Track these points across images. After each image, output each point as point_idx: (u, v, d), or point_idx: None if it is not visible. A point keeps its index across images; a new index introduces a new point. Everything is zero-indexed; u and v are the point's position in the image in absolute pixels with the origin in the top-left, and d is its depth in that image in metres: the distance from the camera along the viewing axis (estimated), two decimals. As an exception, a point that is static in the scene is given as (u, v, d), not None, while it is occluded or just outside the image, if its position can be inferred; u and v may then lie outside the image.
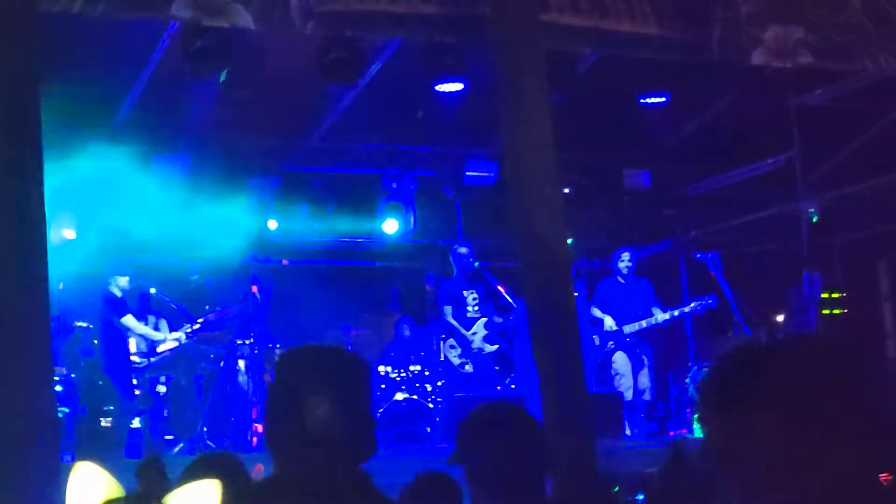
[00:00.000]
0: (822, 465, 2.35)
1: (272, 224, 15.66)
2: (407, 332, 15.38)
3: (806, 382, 2.42)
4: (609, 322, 14.27)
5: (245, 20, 10.10)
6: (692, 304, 14.44)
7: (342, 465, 3.16)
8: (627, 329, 14.22)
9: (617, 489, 5.78)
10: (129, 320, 13.15)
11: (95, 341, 13.62)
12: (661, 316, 14.30)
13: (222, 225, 15.99)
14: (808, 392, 2.40)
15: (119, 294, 13.27)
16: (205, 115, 13.84)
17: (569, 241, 15.72)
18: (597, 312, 14.47)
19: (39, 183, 6.38)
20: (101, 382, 12.98)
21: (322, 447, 3.14)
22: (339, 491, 3.12)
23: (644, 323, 14.27)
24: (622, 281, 14.55)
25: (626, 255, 14.60)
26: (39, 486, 6.01)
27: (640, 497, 5.70)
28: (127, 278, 13.39)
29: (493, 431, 3.66)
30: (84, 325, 14.10)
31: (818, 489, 2.34)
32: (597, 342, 14.41)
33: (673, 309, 14.55)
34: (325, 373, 3.26)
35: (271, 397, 3.31)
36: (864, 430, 2.40)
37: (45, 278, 6.36)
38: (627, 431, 13.72)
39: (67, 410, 13.19)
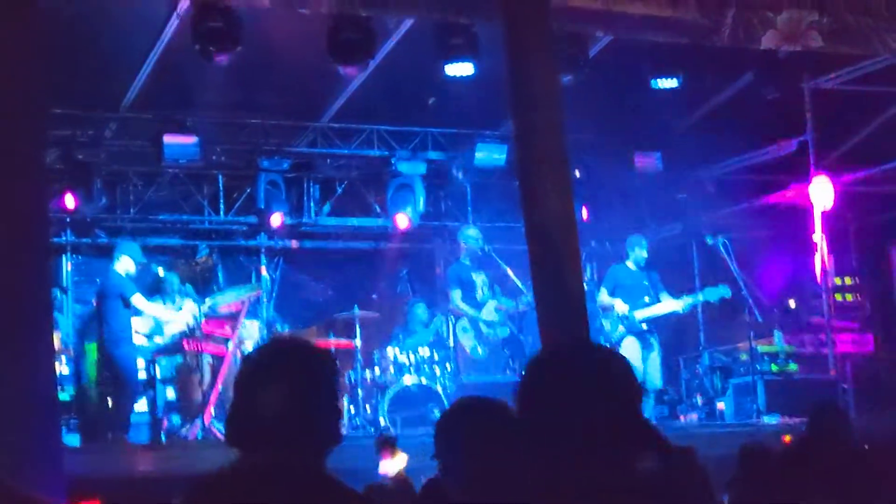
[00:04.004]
0: None
1: (276, 219, 15.53)
2: (421, 315, 15.31)
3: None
4: (620, 306, 14.16)
5: (261, -2, 10.08)
6: (707, 292, 14.31)
7: (298, 456, 3.21)
8: (640, 315, 14.13)
9: None
10: (138, 300, 13.07)
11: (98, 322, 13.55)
12: (673, 305, 14.18)
13: (232, 205, 15.98)
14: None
15: (125, 274, 13.18)
16: (215, 96, 13.78)
17: (584, 214, 15.72)
18: (606, 297, 14.37)
19: (41, 168, 6.33)
20: (107, 363, 12.94)
21: (277, 438, 3.21)
22: (294, 482, 3.17)
23: (657, 311, 14.16)
24: (633, 268, 14.44)
25: (644, 243, 14.50)
26: (40, 465, 5.99)
27: None
28: (133, 261, 13.29)
29: (465, 430, 3.67)
30: (92, 301, 14.09)
31: None
32: (607, 327, 14.34)
33: (686, 296, 14.44)
34: (283, 365, 3.32)
35: (234, 392, 3.38)
36: None
37: (48, 263, 6.34)
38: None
39: (74, 392, 13.19)
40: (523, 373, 2.82)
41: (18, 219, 6.22)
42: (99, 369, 13.15)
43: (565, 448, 2.66)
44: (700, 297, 14.44)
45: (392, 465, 8.46)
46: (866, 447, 6.61)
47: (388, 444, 8.53)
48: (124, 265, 13.15)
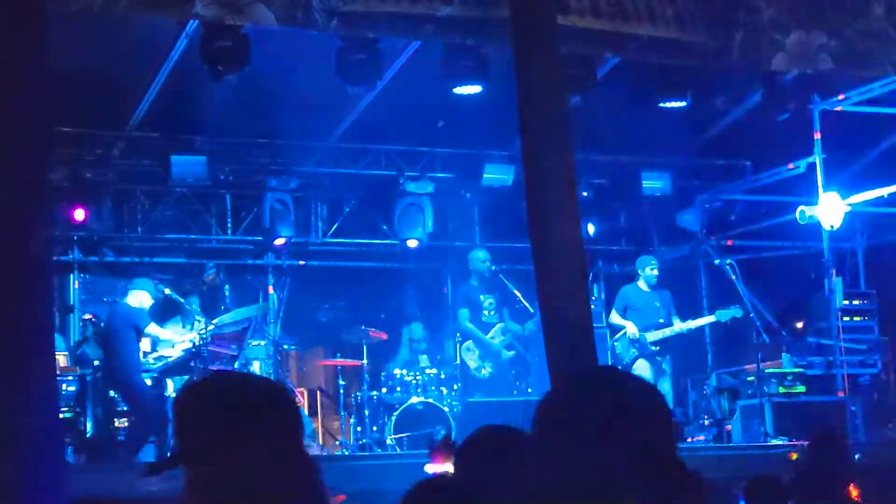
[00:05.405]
0: None
1: (279, 241, 15.54)
2: (422, 337, 15.28)
3: None
4: (631, 328, 14.12)
5: (268, 19, 10.09)
6: (719, 314, 14.26)
7: None
8: (651, 337, 14.09)
9: None
10: (153, 329, 13.05)
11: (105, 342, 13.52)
12: (685, 325, 14.14)
13: (239, 224, 15.97)
14: None
15: (139, 306, 13.14)
16: (223, 115, 13.80)
17: (589, 234, 15.69)
18: (617, 317, 14.34)
19: (46, 190, 6.32)
20: (123, 391, 12.92)
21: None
22: None
23: (668, 332, 14.12)
24: (645, 288, 14.40)
25: (654, 263, 14.47)
26: (42, 490, 5.96)
27: None
28: (149, 295, 13.26)
29: (490, 458, 3.58)
30: (90, 317, 14.08)
31: None
32: (618, 349, 14.30)
33: (698, 318, 14.40)
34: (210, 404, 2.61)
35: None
36: None
37: (51, 287, 6.30)
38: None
39: (79, 411, 13.15)
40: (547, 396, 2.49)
41: (21, 242, 6.20)
42: (107, 388, 13.13)
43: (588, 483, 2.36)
44: (712, 319, 14.41)
45: (443, 469, 8.07)
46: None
47: (446, 448, 8.07)
48: (139, 298, 13.10)
